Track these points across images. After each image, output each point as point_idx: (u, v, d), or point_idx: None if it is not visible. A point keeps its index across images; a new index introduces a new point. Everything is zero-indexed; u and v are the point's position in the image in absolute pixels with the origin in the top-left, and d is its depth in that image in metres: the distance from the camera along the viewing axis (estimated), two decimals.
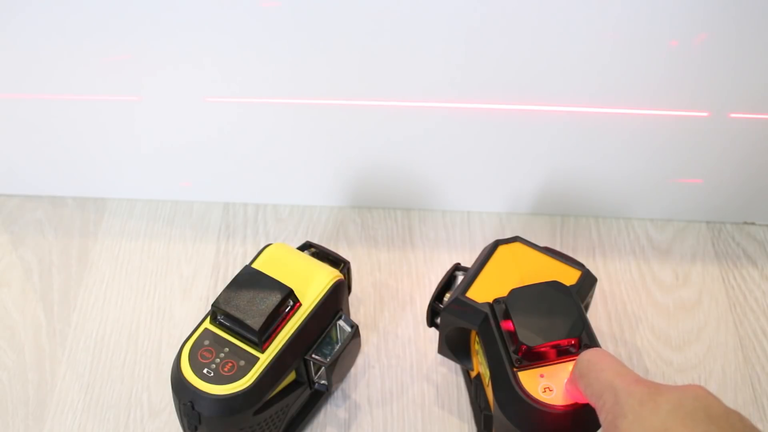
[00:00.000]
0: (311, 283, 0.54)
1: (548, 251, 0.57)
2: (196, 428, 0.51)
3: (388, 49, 0.61)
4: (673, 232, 0.72)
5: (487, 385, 0.53)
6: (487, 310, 0.52)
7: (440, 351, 0.58)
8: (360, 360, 0.63)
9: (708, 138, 0.66)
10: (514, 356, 0.49)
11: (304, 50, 0.61)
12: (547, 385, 0.48)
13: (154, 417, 0.60)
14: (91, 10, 0.59)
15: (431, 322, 0.58)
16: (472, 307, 0.53)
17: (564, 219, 0.73)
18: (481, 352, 0.54)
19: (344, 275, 0.58)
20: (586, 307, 0.57)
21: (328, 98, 0.65)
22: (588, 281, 0.55)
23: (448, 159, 0.69)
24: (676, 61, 0.60)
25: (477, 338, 0.55)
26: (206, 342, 0.52)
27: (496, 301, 0.52)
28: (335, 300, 0.55)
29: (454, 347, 0.57)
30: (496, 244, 0.57)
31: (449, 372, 0.62)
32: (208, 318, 0.53)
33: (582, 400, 0.46)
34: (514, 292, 0.51)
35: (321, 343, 0.55)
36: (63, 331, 0.65)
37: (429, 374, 0.62)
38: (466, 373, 0.61)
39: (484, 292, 0.54)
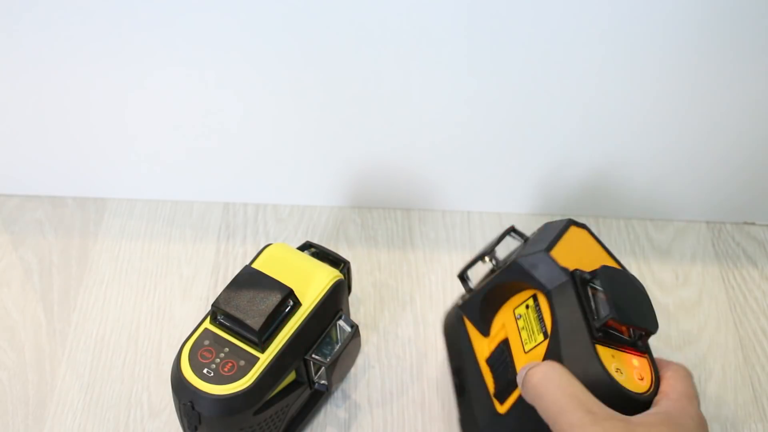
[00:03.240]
0: (311, 283, 0.54)
1: (607, 249, 0.56)
2: (196, 428, 0.51)
3: (388, 49, 0.61)
4: (673, 232, 0.72)
5: (527, 352, 0.51)
6: (568, 275, 0.50)
7: (465, 308, 0.57)
8: (360, 360, 0.63)
9: (708, 137, 0.66)
10: (595, 327, 0.48)
11: (305, 50, 0.61)
12: (618, 366, 0.47)
13: (154, 417, 0.60)
14: (92, 11, 0.59)
15: (463, 275, 0.57)
16: (555, 266, 0.51)
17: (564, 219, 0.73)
18: (530, 317, 0.52)
19: (344, 275, 0.58)
20: None
21: (329, 98, 0.65)
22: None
23: (448, 159, 0.69)
24: (677, 62, 0.60)
25: (527, 302, 0.53)
26: (206, 342, 0.52)
27: (577, 271, 0.51)
28: (335, 300, 0.55)
29: (483, 307, 0.56)
30: (570, 222, 0.55)
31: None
32: (208, 318, 0.53)
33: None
34: (604, 269, 0.50)
35: (321, 343, 0.55)
36: (63, 331, 0.65)
37: (429, 374, 0.62)
38: (458, 346, 0.58)
39: (563, 259, 0.52)
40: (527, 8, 0.57)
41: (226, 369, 0.51)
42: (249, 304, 0.51)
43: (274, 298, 0.52)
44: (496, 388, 0.53)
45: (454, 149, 0.68)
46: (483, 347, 0.56)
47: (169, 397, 0.56)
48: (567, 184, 0.70)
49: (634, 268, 0.69)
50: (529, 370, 0.46)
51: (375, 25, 0.59)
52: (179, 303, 0.67)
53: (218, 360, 0.51)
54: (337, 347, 0.55)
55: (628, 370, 0.47)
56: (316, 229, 0.72)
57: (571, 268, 0.51)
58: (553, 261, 0.51)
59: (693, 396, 0.46)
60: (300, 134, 0.68)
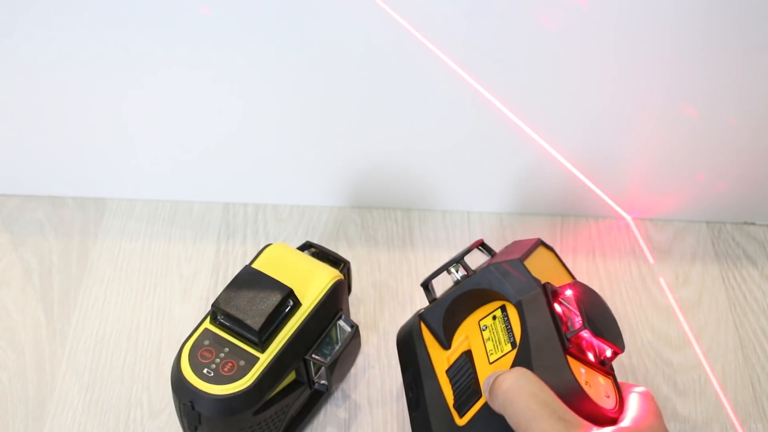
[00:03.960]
0: (311, 283, 0.54)
1: (565, 266, 0.56)
2: (196, 428, 0.51)
3: (388, 50, 0.61)
4: (673, 232, 0.72)
5: (492, 363, 0.50)
6: (540, 286, 0.50)
7: (427, 316, 0.54)
8: (360, 360, 0.63)
9: (708, 138, 0.66)
10: (566, 338, 0.47)
11: (305, 50, 0.61)
12: (587, 380, 0.46)
13: (154, 417, 0.60)
14: (92, 12, 0.59)
15: (426, 283, 0.56)
16: (527, 276, 0.50)
17: (564, 219, 0.73)
18: (497, 328, 0.51)
19: (344, 275, 0.58)
20: None
21: (329, 98, 0.65)
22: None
23: (448, 159, 0.69)
24: (677, 61, 0.60)
25: (494, 313, 0.52)
26: (206, 342, 0.52)
27: (548, 284, 0.50)
28: (335, 300, 0.55)
29: (447, 317, 0.54)
30: (540, 242, 0.55)
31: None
32: (208, 318, 0.53)
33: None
34: (577, 284, 0.50)
35: (321, 343, 0.55)
36: (63, 331, 0.65)
37: None
38: (413, 358, 0.56)
39: (534, 270, 0.51)
40: (528, 8, 0.57)
41: (226, 369, 0.51)
42: (249, 304, 0.51)
43: (274, 298, 0.52)
44: (456, 399, 0.51)
45: (454, 149, 0.68)
46: (442, 359, 0.54)
47: (169, 397, 0.56)
48: (566, 185, 0.70)
49: (634, 268, 0.69)
50: (498, 376, 0.45)
51: (376, 25, 0.59)
52: (179, 303, 0.67)
53: (218, 360, 0.51)
54: (337, 347, 0.55)
55: (596, 386, 0.47)
56: (316, 229, 0.72)
57: (542, 281, 0.50)
58: (527, 270, 0.51)
59: (659, 413, 0.46)
60: (300, 134, 0.68)
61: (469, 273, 0.54)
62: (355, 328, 0.56)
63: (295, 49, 0.61)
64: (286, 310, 0.53)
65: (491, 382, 0.45)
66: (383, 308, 0.66)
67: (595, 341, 0.48)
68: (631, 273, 0.69)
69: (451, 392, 0.52)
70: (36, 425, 0.59)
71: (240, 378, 0.50)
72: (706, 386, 0.62)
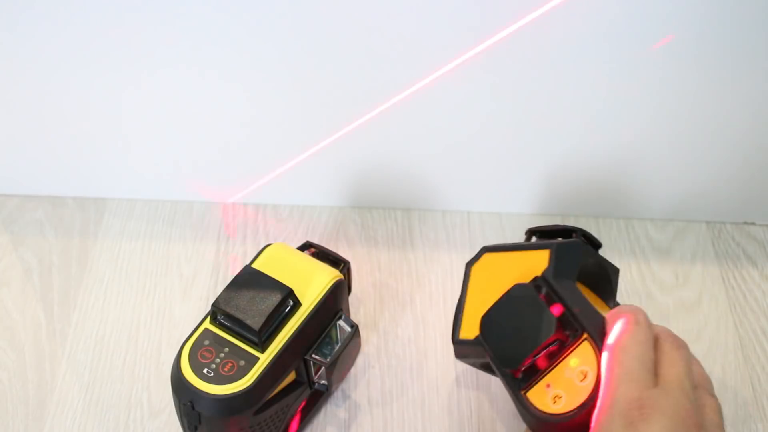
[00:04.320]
0: (311, 283, 0.54)
1: (516, 246, 0.54)
2: (196, 428, 0.51)
3: (389, 50, 0.61)
4: (673, 232, 0.72)
5: None
6: (480, 345, 0.50)
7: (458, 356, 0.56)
8: (360, 360, 0.63)
9: (708, 137, 0.66)
10: (514, 381, 0.47)
11: (305, 50, 0.61)
12: (556, 393, 0.45)
13: (154, 417, 0.60)
14: (93, 12, 0.59)
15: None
16: (468, 347, 0.52)
17: (564, 219, 0.73)
18: None
19: (344, 275, 0.58)
20: (588, 269, 0.52)
21: (329, 98, 0.65)
22: (563, 252, 0.51)
23: (448, 159, 0.69)
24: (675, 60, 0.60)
25: None
26: (206, 342, 0.52)
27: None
28: (335, 300, 0.55)
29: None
30: (468, 265, 0.55)
31: (449, 372, 0.62)
32: (208, 318, 0.53)
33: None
34: (483, 320, 0.49)
35: (321, 343, 0.55)
36: (63, 331, 0.65)
37: (429, 374, 0.62)
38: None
39: (475, 324, 0.51)
40: (530, 8, 0.57)
41: (226, 369, 0.51)
42: (249, 304, 0.51)
43: (274, 298, 0.52)
44: None
45: (455, 149, 0.68)
46: None
47: (169, 397, 0.56)
48: (567, 185, 0.70)
49: (634, 268, 0.69)
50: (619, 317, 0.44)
51: (377, 25, 0.59)
52: (179, 303, 0.67)
53: (218, 360, 0.51)
54: (337, 347, 0.55)
55: (567, 383, 0.45)
56: (316, 229, 0.72)
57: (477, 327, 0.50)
58: (465, 343, 0.52)
59: (618, 386, 0.42)
60: (300, 134, 0.68)
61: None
62: (355, 328, 0.56)
63: (296, 49, 0.61)
64: (286, 310, 0.53)
65: None
66: (383, 308, 0.66)
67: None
68: (631, 273, 0.69)
69: None
70: (36, 425, 0.59)
71: (240, 378, 0.50)
72: None
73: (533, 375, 0.47)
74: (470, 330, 0.52)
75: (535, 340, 0.46)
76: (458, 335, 0.53)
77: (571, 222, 0.72)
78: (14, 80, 0.65)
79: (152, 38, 0.61)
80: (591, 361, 0.44)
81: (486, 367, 0.55)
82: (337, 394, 0.61)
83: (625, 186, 0.70)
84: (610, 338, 0.44)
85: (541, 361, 0.47)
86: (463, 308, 0.54)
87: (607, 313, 0.46)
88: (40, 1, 0.59)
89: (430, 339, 0.64)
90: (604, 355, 0.44)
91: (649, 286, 0.68)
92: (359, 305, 0.66)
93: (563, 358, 0.46)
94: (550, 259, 0.50)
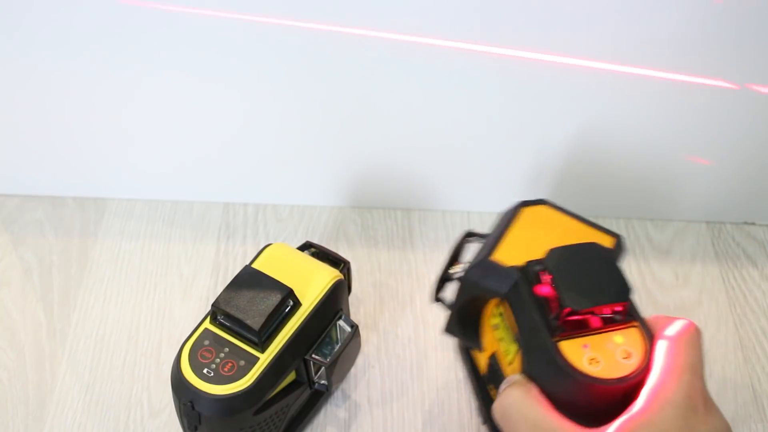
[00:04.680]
0: (311, 283, 0.54)
1: (578, 217, 0.52)
2: (196, 428, 0.51)
3: (388, 51, 0.61)
4: (673, 232, 0.72)
5: (510, 364, 0.48)
6: (517, 274, 0.46)
7: (448, 329, 0.53)
8: (360, 360, 0.63)
9: (708, 137, 0.66)
10: (553, 323, 0.44)
11: (305, 51, 0.61)
12: (593, 356, 0.43)
13: (154, 417, 0.60)
14: (94, 13, 0.59)
15: (437, 297, 0.54)
16: (500, 270, 0.47)
17: None
18: (502, 326, 0.49)
19: (344, 275, 0.58)
20: None
21: (329, 99, 0.65)
22: (622, 250, 0.50)
23: (448, 159, 0.69)
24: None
25: (498, 310, 0.50)
26: (206, 342, 0.52)
27: (529, 264, 0.46)
28: (335, 300, 0.55)
29: (464, 324, 0.52)
30: (521, 205, 0.52)
31: (449, 372, 0.62)
32: (208, 318, 0.53)
33: (631, 372, 0.43)
34: (552, 252, 0.45)
35: (321, 343, 0.55)
36: (63, 331, 0.65)
37: (429, 374, 0.62)
38: (468, 358, 0.57)
39: (511, 255, 0.48)
40: (530, 7, 0.57)
41: (226, 369, 0.51)
42: (249, 304, 0.51)
43: (274, 298, 0.52)
44: None
45: (454, 149, 0.68)
46: (482, 364, 0.54)
47: (169, 397, 0.56)
48: (567, 184, 0.70)
49: (634, 268, 0.69)
50: (502, 391, 0.44)
51: (376, 26, 0.59)
52: (179, 303, 0.67)
53: (218, 360, 0.51)
54: (337, 347, 0.55)
55: (608, 354, 0.43)
56: (316, 229, 0.72)
57: (523, 261, 0.47)
58: (497, 265, 0.48)
59: (688, 367, 0.42)
60: (300, 134, 0.68)
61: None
62: (355, 328, 0.56)
63: (296, 50, 0.61)
64: (286, 310, 0.53)
65: (500, 391, 0.45)
66: (383, 308, 0.66)
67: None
68: (631, 273, 0.69)
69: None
70: (36, 425, 0.59)
71: (240, 378, 0.50)
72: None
73: (574, 329, 0.44)
74: (506, 258, 0.48)
75: (610, 296, 0.44)
76: (490, 257, 0.48)
77: None
78: (15, 81, 0.65)
79: (153, 40, 0.61)
80: (637, 346, 0.44)
81: (466, 315, 0.52)
82: (337, 394, 0.61)
83: (625, 186, 0.70)
84: (670, 331, 0.44)
85: (595, 320, 0.44)
86: (501, 236, 0.50)
87: (650, 316, 0.46)
88: (41, 2, 0.59)
89: (430, 339, 0.64)
90: (662, 343, 0.43)
91: (649, 286, 0.68)
92: (359, 305, 0.67)
93: (608, 331, 0.44)
94: (617, 247, 0.50)
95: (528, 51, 0.60)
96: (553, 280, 0.44)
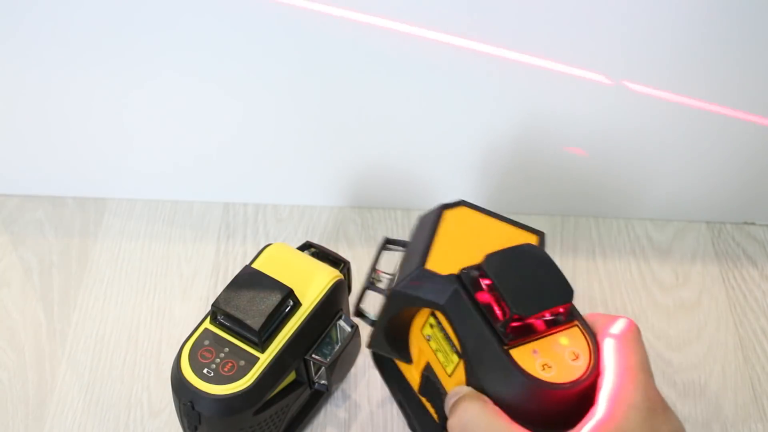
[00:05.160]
0: (311, 283, 0.54)
1: (499, 216, 0.50)
2: (196, 428, 0.51)
3: (388, 51, 0.61)
4: (673, 232, 0.72)
5: (450, 375, 0.46)
6: (455, 283, 0.44)
7: (373, 344, 0.51)
8: (360, 360, 0.63)
9: (708, 137, 0.66)
10: (501, 332, 0.42)
11: (304, 51, 0.61)
12: (545, 361, 0.42)
13: (154, 417, 0.60)
14: (94, 13, 0.59)
15: (357, 310, 0.52)
16: (438, 280, 0.45)
17: (564, 219, 0.73)
18: (437, 336, 0.47)
19: (344, 275, 0.58)
20: None
21: (329, 98, 0.65)
22: (544, 248, 0.48)
23: (448, 159, 0.69)
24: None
25: (429, 321, 0.48)
26: (206, 342, 0.52)
27: (464, 271, 0.45)
28: (335, 300, 0.55)
29: (391, 337, 0.50)
30: (442, 208, 0.50)
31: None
32: (208, 318, 0.53)
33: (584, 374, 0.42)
34: (490, 258, 0.43)
35: (321, 343, 0.55)
36: (63, 331, 0.65)
37: None
38: (394, 371, 0.54)
39: (443, 263, 0.46)
40: (529, 6, 0.57)
41: (226, 369, 0.51)
42: (249, 304, 0.51)
43: (274, 298, 0.52)
44: (438, 417, 0.49)
45: (454, 150, 0.68)
46: (413, 376, 0.52)
47: (169, 397, 0.56)
48: (567, 184, 0.70)
49: (634, 268, 0.69)
50: (453, 404, 0.43)
51: (375, 26, 0.59)
52: (179, 303, 0.67)
53: (218, 360, 0.51)
54: (337, 347, 0.55)
55: (558, 357, 0.42)
56: (316, 229, 0.72)
57: (457, 268, 0.45)
58: (434, 275, 0.45)
59: (640, 367, 0.41)
60: (300, 134, 0.68)
61: (393, 275, 0.50)
62: (355, 328, 0.56)
63: (294, 50, 0.61)
64: (286, 310, 0.53)
65: (450, 405, 0.44)
66: None
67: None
68: (631, 273, 0.69)
69: (432, 410, 0.51)
70: (36, 425, 0.59)
71: (240, 378, 0.50)
72: (706, 386, 0.62)
73: (522, 335, 0.43)
74: (438, 266, 0.46)
75: (556, 298, 0.43)
76: (424, 267, 0.46)
77: (571, 222, 0.72)
78: (15, 81, 0.65)
79: (153, 40, 0.61)
80: (583, 346, 0.43)
81: (393, 329, 0.50)
82: (337, 394, 0.61)
83: (625, 186, 0.70)
84: (615, 329, 0.43)
85: (539, 324, 0.43)
86: (430, 243, 0.48)
87: (586, 314, 0.45)
88: (41, 2, 0.59)
89: None
90: (609, 342, 0.43)
91: (649, 286, 0.68)
92: None
93: (552, 333, 0.43)
94: (540, 245, 0.48)
95: (528, 54, 0.60)
96: (494, 286, 0.43)
